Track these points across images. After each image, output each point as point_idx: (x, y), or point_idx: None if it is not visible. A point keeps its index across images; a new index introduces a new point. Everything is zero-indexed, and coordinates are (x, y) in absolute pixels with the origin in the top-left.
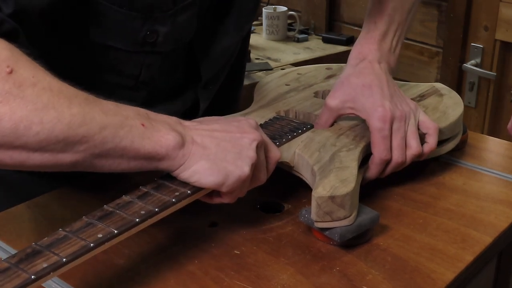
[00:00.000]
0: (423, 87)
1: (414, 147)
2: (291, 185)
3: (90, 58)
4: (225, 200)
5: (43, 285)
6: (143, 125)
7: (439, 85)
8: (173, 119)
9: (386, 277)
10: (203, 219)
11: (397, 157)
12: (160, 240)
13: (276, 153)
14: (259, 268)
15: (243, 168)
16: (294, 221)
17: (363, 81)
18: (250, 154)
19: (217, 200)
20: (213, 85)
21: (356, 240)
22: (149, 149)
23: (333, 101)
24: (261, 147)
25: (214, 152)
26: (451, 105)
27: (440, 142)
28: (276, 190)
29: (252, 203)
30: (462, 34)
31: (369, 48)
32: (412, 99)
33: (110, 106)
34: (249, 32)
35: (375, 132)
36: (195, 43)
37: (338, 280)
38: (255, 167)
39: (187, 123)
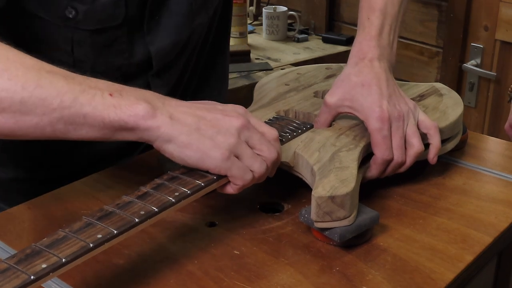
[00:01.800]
0: (423, 87)
1: (416, 145)
2: (291, 185)
3: (29, 30)
4: (229, 189)
5: (42, 285)
6: (110, 95)
7: (439, 85)
8: (153, 94)
9: (386, 277)
10: (202, 219)
11: (397, 157)
12: (160, 240)
13: (271, 153)
14: (258, 268)
15: (221, 147)
16: (294, 221)
17: (362, 80)
18: (228, 135)
19: (222, 190)
20: (166, 74)
21: (356, 240)
22: (115, 117)
23: (331, 98)
24: (245, 133)
25: (193, 129)
26: (451, 105)
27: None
28: (276, 190)
29: (251, 203)
30: (462, 34)
31: (368, 46)
32: (412, 99)
33: (77, 76)
34: (222, 29)
35: (375, 133)
36: (144, 29)
37: (338, 280)
38: (241, 153)
39: (170, 100)
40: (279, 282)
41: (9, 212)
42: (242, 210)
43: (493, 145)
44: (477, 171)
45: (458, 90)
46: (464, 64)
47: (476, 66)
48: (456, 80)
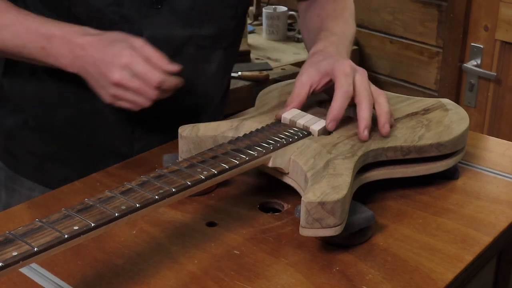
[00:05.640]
0: (429, 101)
1: (384, 104)
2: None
3: None
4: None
5: (42, 285)
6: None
7: (445, 101)
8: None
9: (386, 277)
10: (202, 219)
11: (364, 95)
12: (159, 240)
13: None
14: (259, 268)
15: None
16: (294, 221)
17: (323, 55)
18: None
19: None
20: None
21: (356, 240)
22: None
23: (300, 76)
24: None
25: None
26: (456, 120)
27: (442, 157)
28: (276, 190)
29: (251, 203)
30: (462, 34)
31: (324, 45)
32: (416, 112)
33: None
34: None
35: (338, 72)
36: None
37: (338, 280)
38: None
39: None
40: (279, 282)
41: (9, 212)
42: (242, 210)
43: (493, 145)
44: (477, 171)
45: (458, 90)
46: (464, 64)
47: (476, 66)
48: (456, 80)
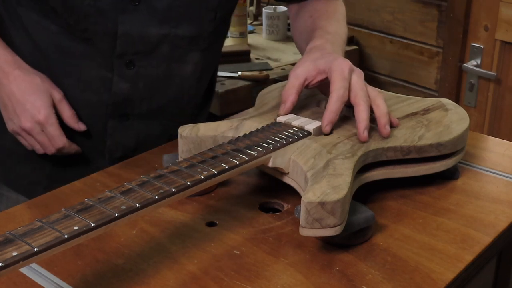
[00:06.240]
0: (428, 101)
1: (382, 104)
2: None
3: None
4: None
5: (42, 285)
6: None
7: (445, 101)
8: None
9: (386, 277)
10: (202, 219)
11: (361, 97)
12: (159, 240)
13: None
14: (259, 268)
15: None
16: (294, 221)
17: (321, 52)
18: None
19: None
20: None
21: (356, 240)
22: None
23: (296, 69)
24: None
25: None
26: (455, 120)
27: (442, 157)
28: (276, 190)
29: (251, 203)
30: (462, 34)
31: (321, 43)
32: (416, 112)
33: None
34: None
35: (335, 73)
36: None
37: (338, 280)
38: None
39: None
40: (279, 282)
41: (9, 212)
42: (242, 210)
43: (493, 145)
44: (477, 171)
45: (458, 90)
46: (464, 64)
47: (476, 66)
48: (456, 80)
